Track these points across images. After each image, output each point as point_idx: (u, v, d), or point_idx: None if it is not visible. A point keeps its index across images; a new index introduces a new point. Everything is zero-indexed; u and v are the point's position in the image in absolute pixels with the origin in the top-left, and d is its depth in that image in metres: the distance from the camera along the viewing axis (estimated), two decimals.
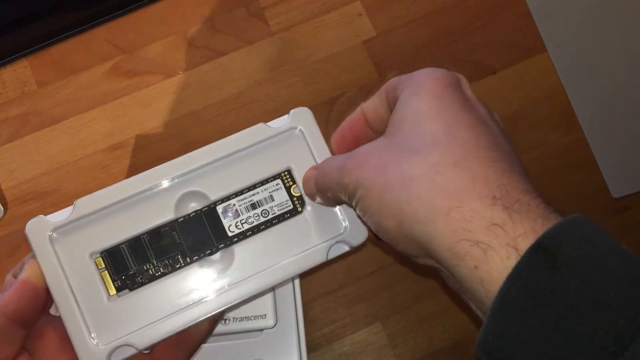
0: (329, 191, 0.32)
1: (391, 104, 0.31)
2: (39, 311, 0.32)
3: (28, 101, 0.48)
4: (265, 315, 0.41)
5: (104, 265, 0.33)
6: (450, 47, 0.50)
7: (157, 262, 0.33)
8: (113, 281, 0.33)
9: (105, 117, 0.48)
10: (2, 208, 0.46)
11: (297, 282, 0.43)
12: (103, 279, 0.33)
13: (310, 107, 0.35)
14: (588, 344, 0.22)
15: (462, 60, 0.50)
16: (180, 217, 0.34)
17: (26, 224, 0.32)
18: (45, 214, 0.33)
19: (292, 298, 0.42)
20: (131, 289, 0.33)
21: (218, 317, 0.35)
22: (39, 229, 0.32)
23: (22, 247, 0.46)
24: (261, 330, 0.41)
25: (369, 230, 0.34)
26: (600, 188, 0.49)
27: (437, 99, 0.28)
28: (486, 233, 0.24)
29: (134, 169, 0.47)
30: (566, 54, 0.50)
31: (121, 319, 0.32)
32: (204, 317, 0.32)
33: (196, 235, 0.34)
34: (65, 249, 0.32)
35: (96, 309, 0.32)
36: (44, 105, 0.48)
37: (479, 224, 0.24)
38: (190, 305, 0.32)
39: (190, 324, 0.32)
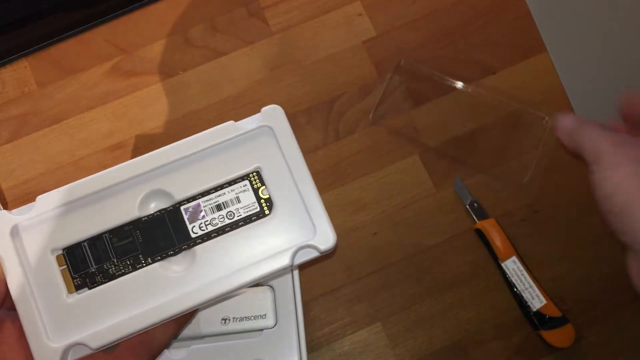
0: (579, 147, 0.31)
1: None
2: None
3: (28, 101, 0.48)
4: (265, 315, 0.41)
5: (64, 263, 0.32)
6: (450, 47, 0.50)
7: (117, 261, 0.33)
8: (73, 279, 0.32)
9: (105, 117, 0.48)
10: (2, 208, 0.46)
11: (297, 282, 0.43)
12: (63, 277, 0.32)
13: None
14: None
15: (462, 60, 0.50)
16: (144, 217, 0.33)
17: None
18: None
19: (292, 298, 0.42)
20: (90, 288, 0.32)
21: (184, 321, 0.35)
22: (1, 223, 0.32)
23: None
24: (261, 330, 0.41)
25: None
26: None
27: None
28: None
29: None
30: (566, 54, 0.50)
31: (78, 317, 0.32)
32: (161, 320, 0.32)
33: (159, 235, 0.33)
34: (26, 245, 0.32)
35: (54, 306, 0.32)
36: (44, 105, 0.48)
37: None
38: (149, 307, 0.32)
39: (147, 327, 0.32)
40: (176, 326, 0.34)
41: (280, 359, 0.41)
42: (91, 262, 0.33)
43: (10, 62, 0.49)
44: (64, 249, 0.32)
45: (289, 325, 0.42)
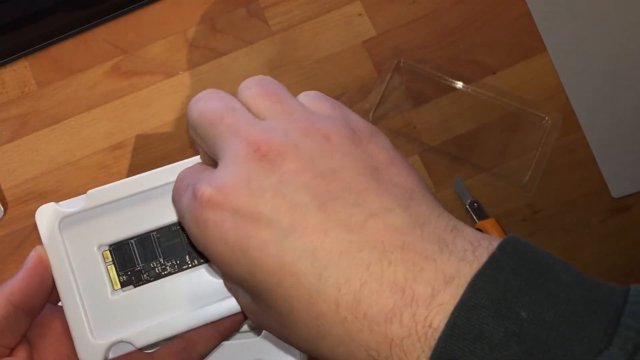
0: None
1: None
2: (45, 299, 0.32)
3: (28, 101, 0.48)
4: None
5: (111, 259, 0.32)
6: (450, 47, 0.50)
7: (164, 261, 0.32)
8: (118, 276, 0.32)
9: (105, 117, 0.48)
10: (2, 208, 0.46)
11: None
12: (109, 273, 0.32)
13: None
14: None
15: (462, 60, 0.50)
16: None
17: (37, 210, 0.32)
18: None
19: None
20: (136, 285, 0.32)
21: (227, 333, 0.34)
22: (49, 216, 0.31)
23: (22, 246, 0.46)
24: (261, 330, 0.41)
25: None
26: (600, 188, 0.49)
27: None
28: None
29: (134, 169, 0.47)
30: (566, 54, 0.50)
31: (122, 314, 0.32)
32: (205, 322, 0.32)
33: None
34: (73, 239, 0.32)
35: (99, 302, 0.32)
36: (44, 105, 0.48)
37: None
38: (193, 308, 0.32)
39: (191, 328, 0.32)
40: (219, 338, 0.33)
41: (280, 359, 0.41)
42: (138, 259, 0.32)
43: (10, 62, 0.49)
44: (110, 245, 0.32)
45: None
